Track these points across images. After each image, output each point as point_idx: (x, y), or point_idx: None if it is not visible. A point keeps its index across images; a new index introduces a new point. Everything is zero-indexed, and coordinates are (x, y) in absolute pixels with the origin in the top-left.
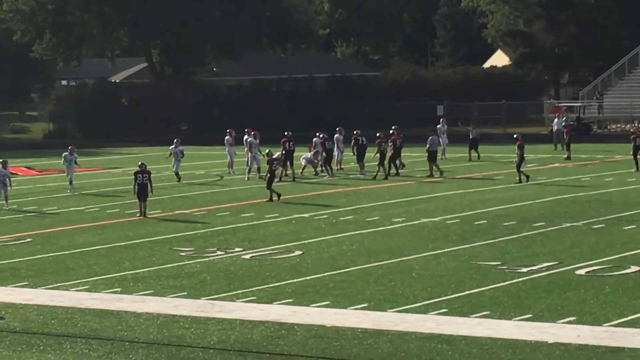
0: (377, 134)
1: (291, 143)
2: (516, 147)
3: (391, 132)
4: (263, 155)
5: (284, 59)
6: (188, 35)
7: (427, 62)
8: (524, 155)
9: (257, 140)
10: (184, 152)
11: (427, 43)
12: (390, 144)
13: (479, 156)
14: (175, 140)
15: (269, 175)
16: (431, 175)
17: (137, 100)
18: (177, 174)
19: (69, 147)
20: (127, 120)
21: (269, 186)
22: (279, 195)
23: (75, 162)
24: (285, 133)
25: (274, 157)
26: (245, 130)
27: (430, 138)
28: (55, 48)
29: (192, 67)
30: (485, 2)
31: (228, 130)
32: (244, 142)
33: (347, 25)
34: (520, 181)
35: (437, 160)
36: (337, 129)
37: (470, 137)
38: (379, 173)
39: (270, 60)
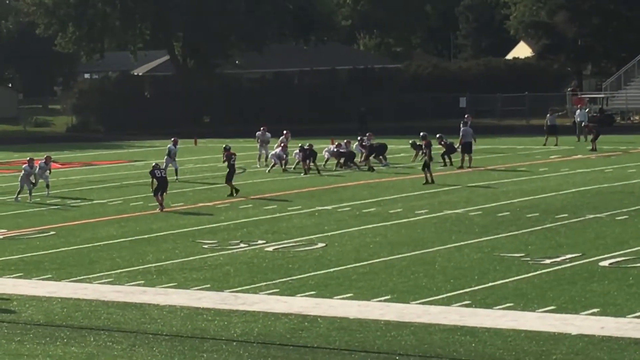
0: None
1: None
2: (423, 146)
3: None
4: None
5: (306, 51)
6: (211, 28)
7: (449, 54)
8: (432, 154)
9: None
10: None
11: (449, 35)
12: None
13: (556, 142)
14: None
15: (228, 169)
16: (461, 167)
17: (159, 93)
18: None
19: (46, 156)
20: (149, 113)
21: (228, 180)
22: (236, 191)
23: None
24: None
25: (232, 151)
26: (284, 131)
27: (463, 129)
28: (77, 41)
29: (214, 60)
30: None
31: (262, 128)
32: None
33: (369, 17)
34: (429, 182)
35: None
36: (367, 134)
37: (548, 124)
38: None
39: (292, 53)
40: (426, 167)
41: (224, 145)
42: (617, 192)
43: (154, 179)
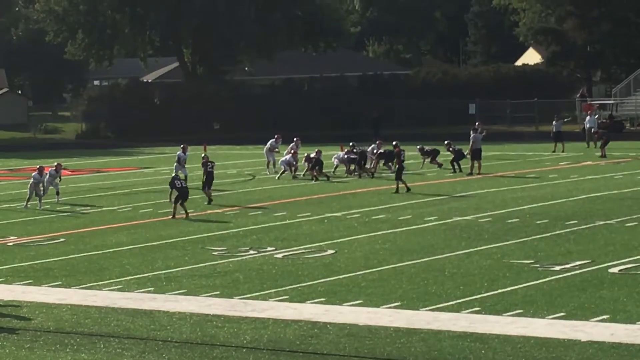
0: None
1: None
2: (395, 154)
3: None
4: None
5: (315, 58)
6: (220, 35)
7: (459, 60)
8: (404, 163)
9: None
10: None
11: (459, 41)
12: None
13: (563, 149)
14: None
15: (205, 176)
16: (470, 174)
17: (169, 99)
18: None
19: (56, 164)
20: (159, 120)
21: (206, 188)
22: (209, 200)
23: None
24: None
25: (210, 159)
26: (294, 138)
27: (473, 135)
28: (87, 48)
29: (224, 67)
30: (517, 0)
31: (276, 136)
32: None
33: (378, 24)
34: (397, 191)
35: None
36: (377, 142)
37: (554, 130)
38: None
39: (302, 59)
40: (399, 175)
41: (202, 154)
42: (626, 198)
43: (174, 190)
